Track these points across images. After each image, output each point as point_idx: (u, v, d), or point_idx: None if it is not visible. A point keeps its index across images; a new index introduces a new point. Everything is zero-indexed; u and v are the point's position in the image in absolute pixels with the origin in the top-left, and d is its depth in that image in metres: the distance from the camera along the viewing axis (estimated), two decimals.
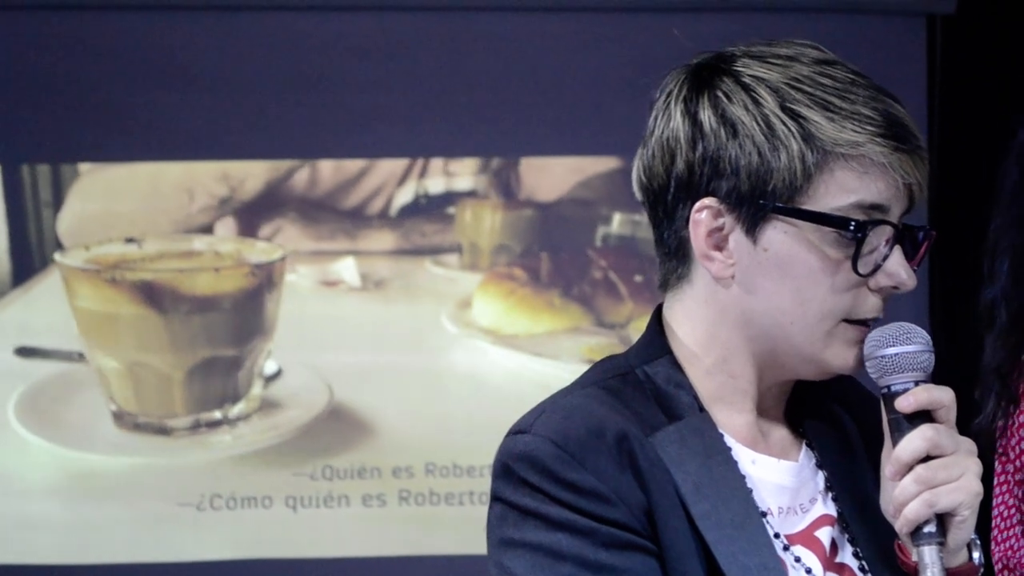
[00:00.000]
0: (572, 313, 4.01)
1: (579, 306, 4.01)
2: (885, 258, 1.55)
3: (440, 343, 4.00)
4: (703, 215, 1.57)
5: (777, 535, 1.57)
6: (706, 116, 1.57)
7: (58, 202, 4.02)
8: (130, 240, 4.03)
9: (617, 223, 4.00)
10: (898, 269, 1.56)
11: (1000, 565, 2.13)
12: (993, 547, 2.15)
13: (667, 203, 1.60)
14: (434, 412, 3.96)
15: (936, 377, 1.54)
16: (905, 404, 1.52)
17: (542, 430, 1.54)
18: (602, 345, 3.95)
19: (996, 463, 2.15)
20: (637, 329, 4.01)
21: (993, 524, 2.15)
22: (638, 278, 4.00)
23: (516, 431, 1.57)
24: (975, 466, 1.52)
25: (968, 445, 1.52)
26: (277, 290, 4.04)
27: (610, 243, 4.01)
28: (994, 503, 2.17)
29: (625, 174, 3.99)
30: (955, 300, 3.75)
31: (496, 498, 1.55)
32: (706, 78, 1.59)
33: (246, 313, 4.04)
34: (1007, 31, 3.81)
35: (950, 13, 3.93)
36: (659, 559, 1.52)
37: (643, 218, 4.05)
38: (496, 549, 1.55)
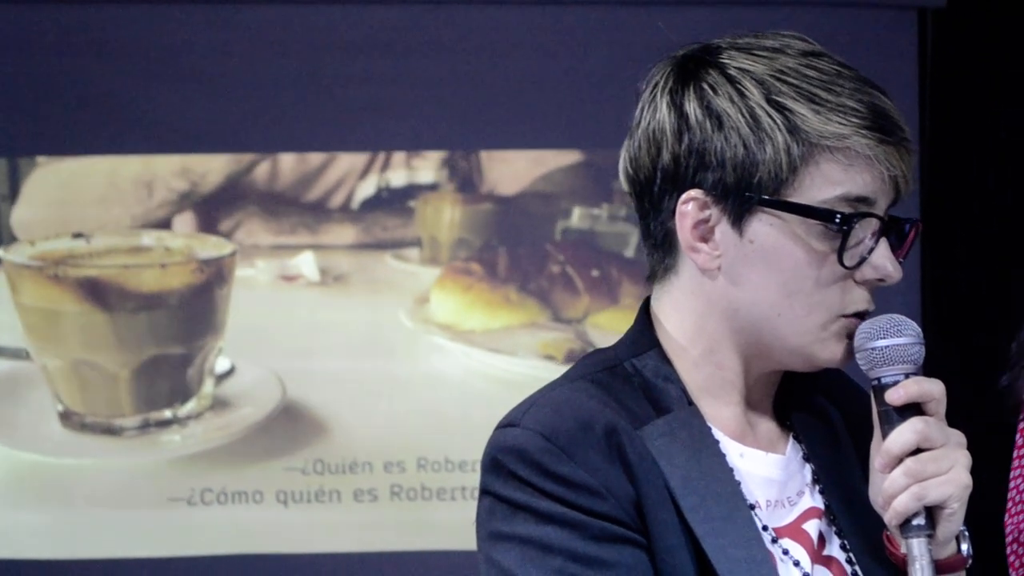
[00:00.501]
0: (529, 308, 4.00)
1: (536, 301, 4.00)
2: (871, 251, 1.56)
3: (397, 339, 3.98)
4: (689, 207, 1.57)
5: (765, 528, 1.58)
6: (692, 108, 1.57)
7: (15, 196, 3.97)
8: (78, 235, 3.98)
9: (577, 217, 4.00)
10: (884, 262, 1.56)
11: (1011, 538, 2.08)
12: (1007, 519, 2.09)
13: (653, 194, 1.60)
14: (390, 410, 3.94)
15: (927, 370, 1.55)
16: (895, 397, 1.52)
17: (531, 424, 1.54)
18: (558, 340, 3.94)
19: (1017, 435, 2.09)
20: (594, 324, 4.03)
21: (1009, 496, 2.10)
22: (595, 273, 4.00)
23: (505, 425, 1.56)
24: (964, 459, 1.52)
25: (958, 438, 1.53)
26: (227, 286, 4.01)
27: (569, 237, 4.01)
28: (1012, 475, 2.10)
29: (587, 168, 3.99)
30: (946, 293, 3.78)
31: (485, 491, 1.55)
32: (692, 70, 1.59)
33: (194, 310, 4.00)
34: (998, 25, 3.84)
35: (941, 7, 3.95)
36: (648, 552, 1.52)
37: (602, 212, 4.09)
38: (486, 543, 1.54)
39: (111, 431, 3.97)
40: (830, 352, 1.57)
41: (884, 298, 1.59)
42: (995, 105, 3.74)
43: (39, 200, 3.99)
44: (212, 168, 3.99)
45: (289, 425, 3.96)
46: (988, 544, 2.04)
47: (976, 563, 1.58)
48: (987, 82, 3.78)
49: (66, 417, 3.98)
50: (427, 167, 4.02)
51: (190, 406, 4.00)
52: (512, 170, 4.00)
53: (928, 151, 3.71)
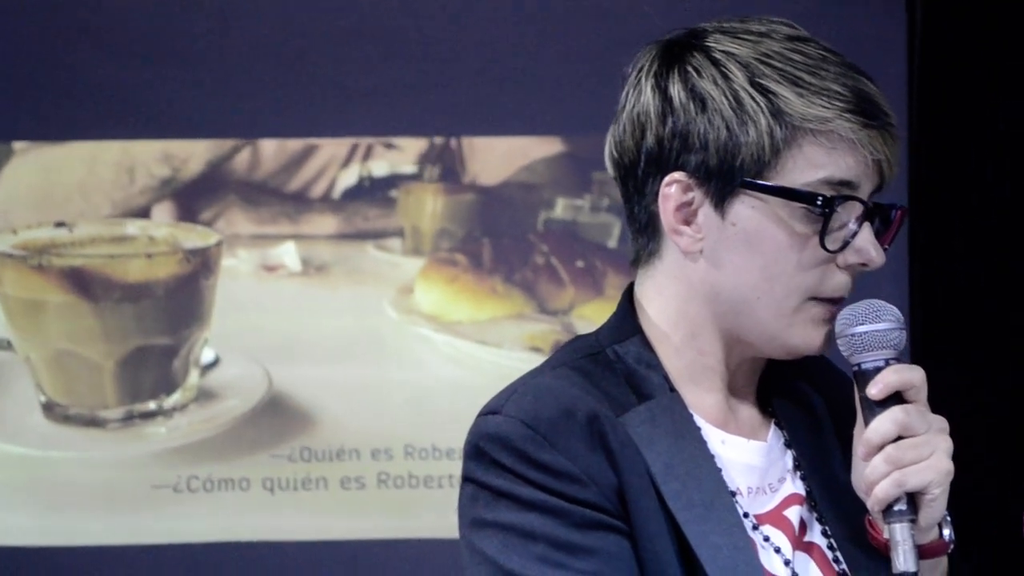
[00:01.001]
0: (515, 299, 3.99)
1: (521, 292, 3.99)
2: (854, 235, 1.56)
3: (383, 329, 3.97)
4: (672, 189, 1.57)
5: (746, 515, 1.58)
6: (676, 91, 1.57)
7: None
8: (60, 224, 3.96)
9: (560, 208, 3.99)
10: (866, 246, 1.56)
11: None
12: None
13: (637, 177, 1.59)
14: (377, 399, 3.94)
15: (926, 362, 1.53)
16: (875, 391, 1.51)
17: (513, 411, 1.53)
18: (544, 332, 3.93)
19: None
20: (580, 316, 4.02)
21: None
22: (579, 263, 3.99)
23: (487, 412, 1.56)
24: (945, 445, 1.52)
25: (940, 424, 1.52)
26: (213, 276, 3.99)
27: (552, 228, 4.00)
28: None
29: (569, 158, 3.98)
30: (934, 280, 3.77)
31: (468, 479, 1.55)
32: (677, 53, 1.59)
33: (180, 300, 3.98)
34: (988, 11, 3.82)
35: None
36: (630, 539, 1.52)
37: (585, 203, 4.07)
38: (468, 530, 1.54)
39: (95, 423, 3.95)
40: (806, 338, 1.56)
41: (872, 285, 1.58)
42: (984, 91, 3.73)
43: (18, 187, 3.96)
44: (193, 153, 3.97)
45: (275, 415, 3.95)
46: (985, 528, 2.02)
47: (963, 547, 1.58)
48: (976, 68, 3.76)
49: (49, 408, 3.96)
50: (409, 157, 4.01)
51: (175, 398, 3.98)
52: (494, 160, 3.99)
53: (917, 138, 3.70)
